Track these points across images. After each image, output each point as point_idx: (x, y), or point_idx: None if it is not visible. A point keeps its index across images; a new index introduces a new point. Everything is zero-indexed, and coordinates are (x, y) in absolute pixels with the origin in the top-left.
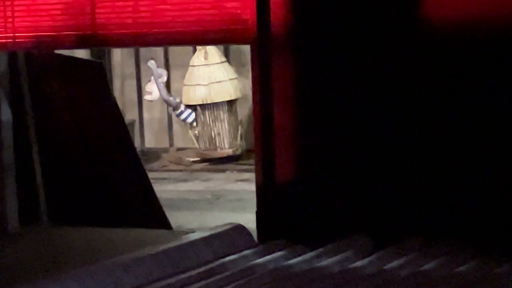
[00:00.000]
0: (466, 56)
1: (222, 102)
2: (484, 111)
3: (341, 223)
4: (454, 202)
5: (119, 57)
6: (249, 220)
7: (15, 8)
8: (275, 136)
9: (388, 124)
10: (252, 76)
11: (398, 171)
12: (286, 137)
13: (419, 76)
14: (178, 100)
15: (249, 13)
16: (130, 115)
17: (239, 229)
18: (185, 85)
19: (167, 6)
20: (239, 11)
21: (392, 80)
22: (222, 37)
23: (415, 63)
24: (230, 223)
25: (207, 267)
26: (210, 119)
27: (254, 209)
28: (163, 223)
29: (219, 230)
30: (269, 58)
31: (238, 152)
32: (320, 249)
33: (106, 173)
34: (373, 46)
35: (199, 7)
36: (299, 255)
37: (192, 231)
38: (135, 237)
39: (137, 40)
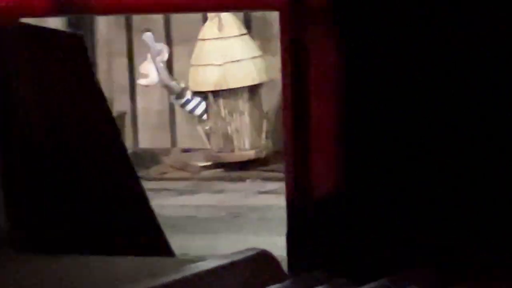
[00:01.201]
0: None
1: (241, 88)
2: None
3: (399, 251)
4: None
5: (105, 28)
6: (276, 245)
7: None
8: (312, 133)
9: (460, 126)
10: (282, 53)
11: (468, 186)
12: (327, 135)
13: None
14: (183, 85)
15: None
16: (120, 104)
17: (264, 256)
18: (193, 65)
19: None
20: None
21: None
22: (243, 0)
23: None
24: (251, 249)
25: None
26: (226, 110)
27: (284, 230)
28: (164, 248)
29: (236, 258)
30: (305, 28)
31: (263, 155)
32: (370, 285)
33: (87, 182)
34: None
35: None
36: None
37: (202, 259)
38: (127, 267)
39: (129, 5)
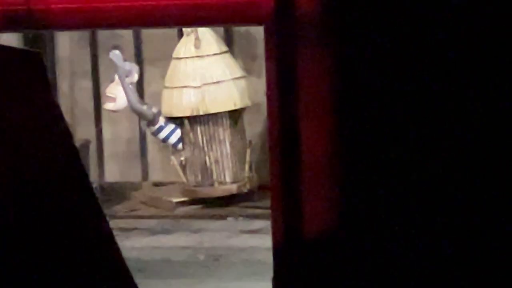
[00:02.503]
0: None
1: (222, 114)
2: None
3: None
4: None
5: (67, 46)
6: None
7: None
8: (303, 165)
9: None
10: (267, 74)
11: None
12: (319, 166)
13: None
14: (155, 110)
15: None
16: (83, 132)
17: None
18: (167, 87)
19: None
20: None
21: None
22: (221, 14)
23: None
24: None
25: None
26: (204, 139)
27: (270, 275)
28: None
29: None
30: (292, 46)
31: (246, 189)
32: None
33: (43, 222)
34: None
35: None
36: None
37: None
38: None
39: (93, 19)
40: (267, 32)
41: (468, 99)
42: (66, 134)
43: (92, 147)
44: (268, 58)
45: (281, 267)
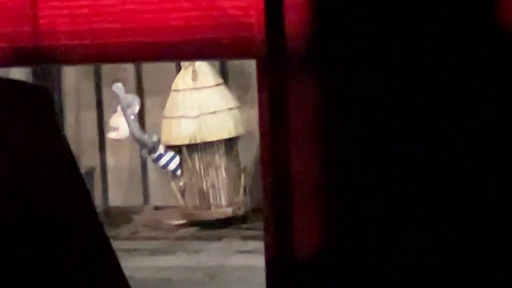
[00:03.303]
0: None
1: (217, 142)
2: None
3: None
4: None
5: (73, 79)
6: None
7: None
8: (294, 190)
9: (445, 176)
10: (259, 104)
11: (452, 242)
12: (308, 191)
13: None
14: (155, 139)
15: (255, 16)
16: (88, 160)
17: None
18: (166, 117)
19: (139, 6)
20: (240, 13)
21: (457, 106)
22: (217, 49)
23: (490, 83)
24: None
25: None
26: (201, 165)
27: None
28: None
29: None
30: (283, 78)
31: (241, 212)
32: None
33: (50, 248)
34: (426, 65)
35: (185, 8)
36: None
37: None
38: None
39: (97, 54)
40: (259, 65)
41: (448, 122)
42: (71, 162)
43: (97, 173)
44: (260, 89)
45: (274, 285)
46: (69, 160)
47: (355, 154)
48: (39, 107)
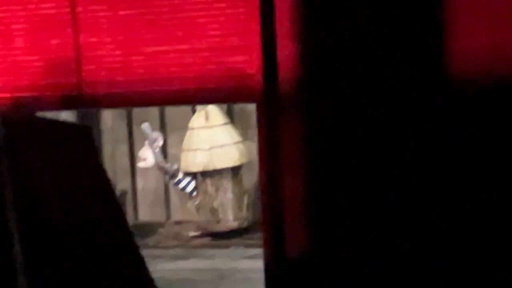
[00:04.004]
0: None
1: (225, 169)
2: None
3: None
4: None
5: (110, 119)
6: None
7: None
8: (285, 207)
9: (410, 194)
10: (258, 139)
11: (417, 247)
12: (298, 208)
13: (447, 132)
14: (175, 167)
15: (254, 68)
16: (122, 184)
17: None
18: (184, 150)
19: (162, 62)
20: (243, 66)
21: (417, 140)
22: (224, 95)
23: (440, 121)
24: None
25: None
26: (212, 188)
27: None
28: None
29: None
30: (277, 118)
31: (244, 225)
32: None
33: (94, 255)
34: (392, 105)
35: (199, 62)
36: None
37: None
38: None
39: (129, 100)
40: (258, 108)
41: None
42: (109, 187)
43: (129, 195)
44: (259, 127)
45: (271, 283)
46: (107, 185)
47: (333, 176)
48: (82, 143)
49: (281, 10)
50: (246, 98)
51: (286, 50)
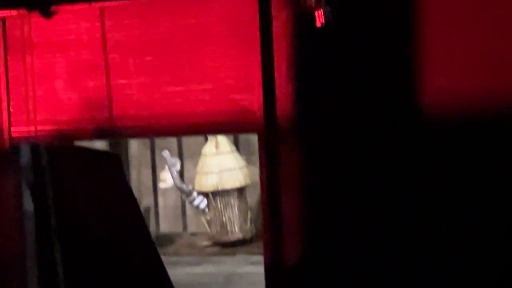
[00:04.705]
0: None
1: (232, 189)
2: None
3: None
4: None
5: (136, 147)
6: None
7: (37, 102)
8: (283, 221)
9: (392, 209)
10: (260, 164)
11: (398, 251)
12: (294, 222)
13: (421, 162)
14: (190, 187)
15: (256, 105)
16: (146, 201)
17: None
18: (198, 173)
19: (180, 99)
20: (246, 103)
21: (395, 167)
22: (231, 127)
23: (415, 151)
24: None
25: None
26: (221, 205)
27: None
28: None
29: None
30: (275, 146)
31: (248, 237)
32: None
33: (121, 259)
34: (374, 136)
35: (210, 100)
36: None
37: None
38: None
39: (152, 131)
40: (259, 137)
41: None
42: (135, 206)
43: (151, 211)
44: (260, 154)
45: (270, 285)
46: (133, 202)
47: (324, 197)
48: (113, 168)
49: (279, 57)
50: (249, 130)
51: (283, 89)
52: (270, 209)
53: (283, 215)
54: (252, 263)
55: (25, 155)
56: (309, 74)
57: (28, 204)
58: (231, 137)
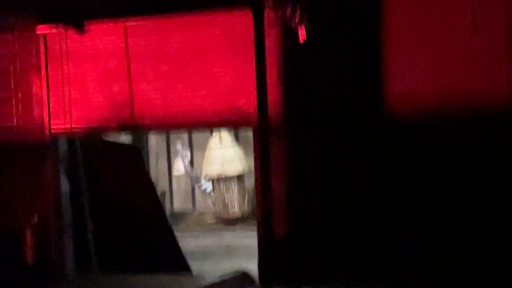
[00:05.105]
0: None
1: (233, 176)
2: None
3: (322, 268)
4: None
5: (154, 140)
6: (253, 267)
7: (72, 104)
8: (272, 202)
9: (361, 189)
10: (254, 153)
11: (366, 225)
12: (281, 202)
13: (382, 149)
14: (199, 174)
15: (252, 108)
16: (162, 185)
17: (244, 276)
18: (204, 163)
19: (189, 101)
20: (243, 104)
21: (361, 154)
22: (231, 123)
23: (378, 141)
24: (237, 271)
25: None
26: (224, 189)
27: (256, 258)
28: (185, 268)
29: (228, 277)
30: (267, 141)
31: (246, 215)
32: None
33: (142, 234)
34: (345, 132)
35: (214, 101)
36: None
37: (209, 277)
38: (164, 282)
39: (166, 126)
40: (254, 132)
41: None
42: (153, 189)
43: (167, 194)
44: (254, 145)
45: (262, 254)
46: (151, 187)
47: (308, 180)
48: (133, 158)
49: (270, 67)
50: (245, 126)
51: (274, 94)
52: (262, 192)
53: (273, 197)
54: (248, 236)
55: (62, 147)
56: (294, 81)
57: (65, 186)
58: (232, 133)
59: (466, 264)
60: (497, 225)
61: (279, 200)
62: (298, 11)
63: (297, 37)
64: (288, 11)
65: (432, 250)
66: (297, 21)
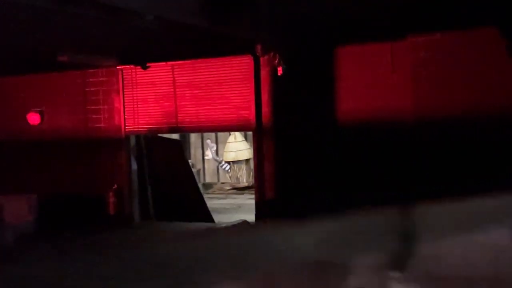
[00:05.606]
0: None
1: (242, 160)
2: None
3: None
4: None
5: (193, 137)
6: (252, 218)
7: (139, 114)
8: (265, 176)
9: (320, 171)
10: (254, 147)
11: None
12: (271, 177)
13: (338, 146)
14: (221, 159)
15: (252, 117)
16: (198, 165)
17: (245, 223)
18: (225, 151)
19: (211, 112)
20: (247, 116)
21: (321, 153)
22: (239, 128)
23: (334, 140)
24: (241, 219)
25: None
26: (237, 168)
27: (253, 212)
28: (210, 219)
29: (235, 223)
30: (261, 139)
31: (251, 185)
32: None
33: (183, 197)
34: (312, 136)
35: (228, 113)
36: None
37: (224, 223)
38: (197, 226)
39: (199, 129)
40: (253, 133)
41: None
42: (190, 169)
43: (201, 171)
44: (254, 142)
45: (258, 210)
46: (189, 167)
47: (286, 163)
48: (177, 149)
49: (264, 90)
50: (248, 129)
51: (266, 108)
52: (258, 171)
53: (265, 174)
54: (250, 198)
55: (132, 141)
56: (278, 100)
57: (134, 165)
58: (243, 133)
59: None
60: None
61: (268, 176)
62: (278, 57)
63: (277, 72)
64: (272, 57)
65: None
66: (276, 62)
